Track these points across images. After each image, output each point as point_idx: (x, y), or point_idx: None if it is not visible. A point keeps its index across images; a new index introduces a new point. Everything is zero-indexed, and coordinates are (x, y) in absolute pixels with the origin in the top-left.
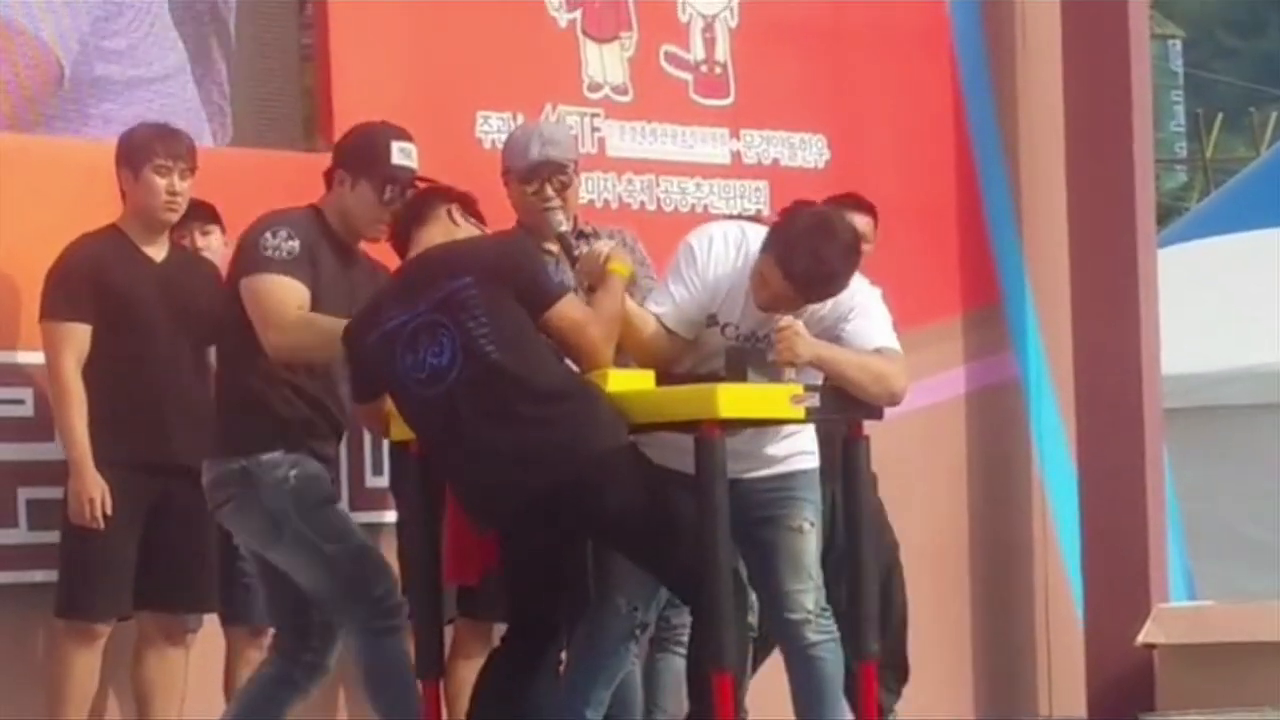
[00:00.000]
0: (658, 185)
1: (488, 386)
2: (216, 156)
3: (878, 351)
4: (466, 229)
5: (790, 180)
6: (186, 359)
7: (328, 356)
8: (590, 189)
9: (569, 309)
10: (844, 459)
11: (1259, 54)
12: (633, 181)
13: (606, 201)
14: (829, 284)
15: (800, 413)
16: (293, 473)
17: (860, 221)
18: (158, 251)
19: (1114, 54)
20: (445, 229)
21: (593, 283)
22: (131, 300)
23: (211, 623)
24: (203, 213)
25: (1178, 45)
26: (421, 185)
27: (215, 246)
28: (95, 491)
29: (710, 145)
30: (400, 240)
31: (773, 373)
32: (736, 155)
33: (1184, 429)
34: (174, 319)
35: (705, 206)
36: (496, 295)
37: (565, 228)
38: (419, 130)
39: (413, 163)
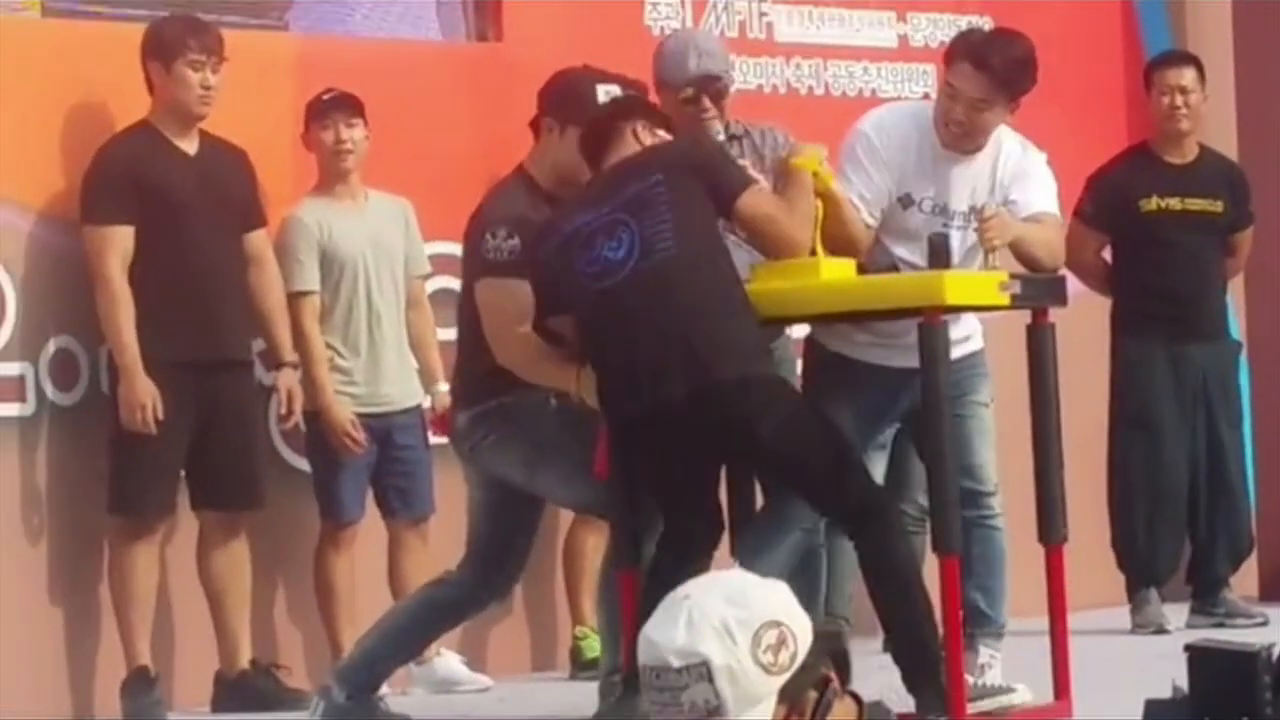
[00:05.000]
0: (825, 70)
1: (658, 280)
2: (374, 47)
3: (1037, 216)
4: (653, 141)
5: None
6: (229, 250)
7: (535, 378)
8: (759, 74)
9: (758, 199)
10: (1031, 345)
11: None
12: (800, 66)
13: (775, 86)
14: (1024, 70)
15: (1007, 299)
16: (552, 397)
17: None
18: (190, 145)
19: None
20: (631, 149)
21: (778, 180)
22: (171, 196)
23: (372, 518)
24: (348, 105)
25: None
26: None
27: (358, 139)
28: (146, 398)
29: (878, 29)
30: (592, 163)
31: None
32: (904, 39)
33: None
34: (213, 211)
35: (873, 91)
36: (685, 191)
37: (721, 137)
38: (588, 19)
39: None
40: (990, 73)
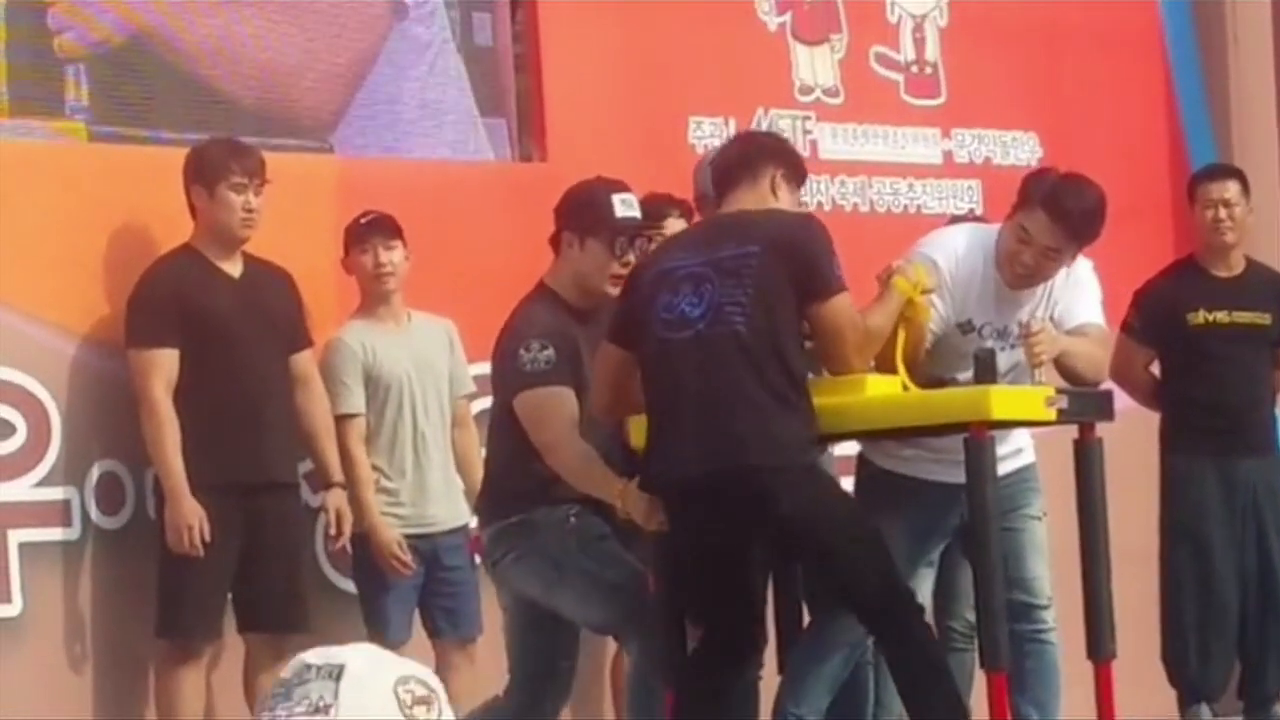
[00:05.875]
0: (870, 187)
1: (720, 353)
2: (416, 169)
3: (1083, 328)
4: (785, 201)
5: (1002, 179)
6: (274, 371)
7: (585, 486)
8: (803, 192)
9: (841, 308)
10: (1078, 460)
11: None
12: (845, 183)
13: (819, 204)
14: (1097, 220)
15: (1053, 415)
16: (572, 514)
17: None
18: (234, 268)
19: None
20: (759, 198)
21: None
22: (216, 320)
23: (418, 637)
24: (386, 228)
25: None
26: (649, 234)
27: (398, 261)
28: (193, 519)
29: (922, 145)
30: (720, 186)
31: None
32: (948, 155)
33: None
34: (258, 333)
35: (918, 207)
36: (774, 271)
37: None
38: (631, 137)
39: (636, 212)
40: (1067, 225)
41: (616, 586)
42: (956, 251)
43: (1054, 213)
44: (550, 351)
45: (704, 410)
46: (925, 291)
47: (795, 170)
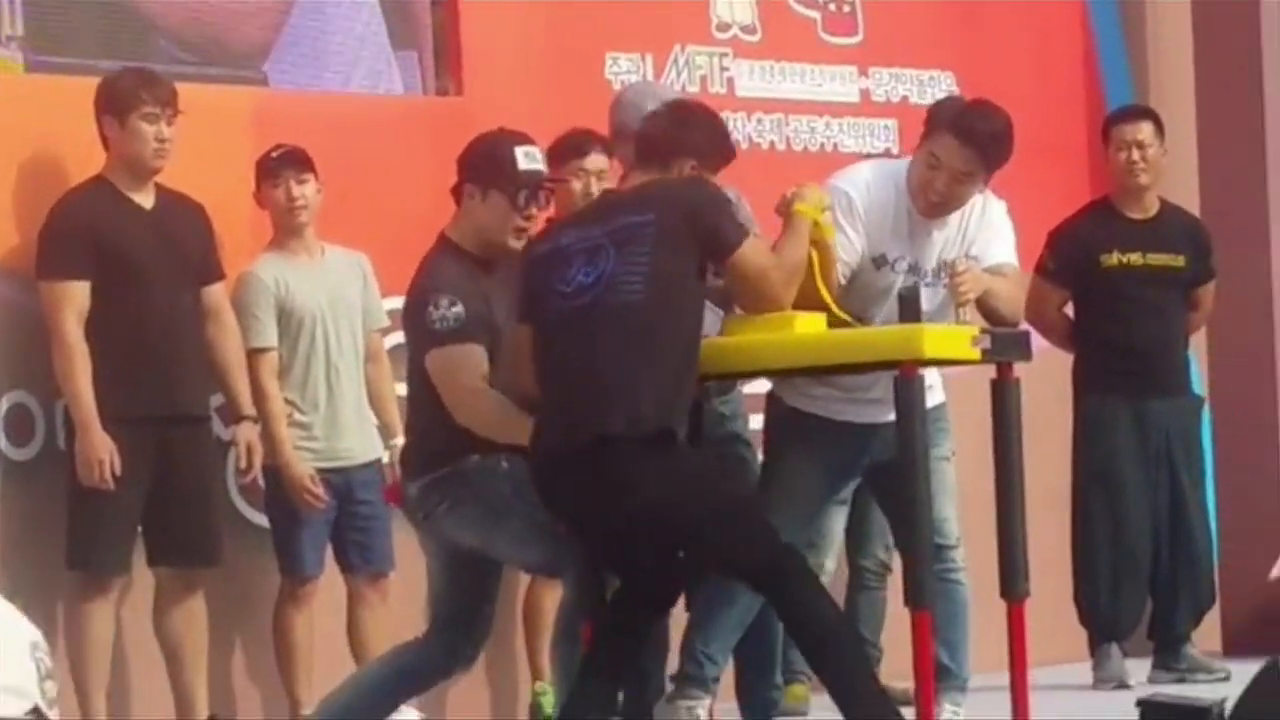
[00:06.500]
0: (787, 124)
1: (609, 324)
2: (332, 102)
3: (999, 268)
4: None
5: (919, 118)
6: (186, 304)
7: (503, 436)
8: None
9: (754, 251)
10: (995, 400)
11: None
12: (762, 121)
13: (736, 141)
14: (1006, 143)
15: (978, 354)
16: (504, 460)
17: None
18: (146, 199)
19: None
20: None
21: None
22: (127, 251)
23: (331, 573)
24: (297, 161)
25: None
26: (552, 186)
27: (310, 195)
28: (104, 452)
29: (839, 83)
30: (638, 158)
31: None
32: (865, 93)
33: None
34: (170, 266)
35: (835, 145)
36: (673, 236)
37: None
38: (548, 72)
39: (540, 165)
40: (976, 147)
41: (550, 527)
42: (866, 182)
43: (962, 135)
44: (460, 309)
45: (579, 381)
46: (825, 210)
47: (712, 161)
